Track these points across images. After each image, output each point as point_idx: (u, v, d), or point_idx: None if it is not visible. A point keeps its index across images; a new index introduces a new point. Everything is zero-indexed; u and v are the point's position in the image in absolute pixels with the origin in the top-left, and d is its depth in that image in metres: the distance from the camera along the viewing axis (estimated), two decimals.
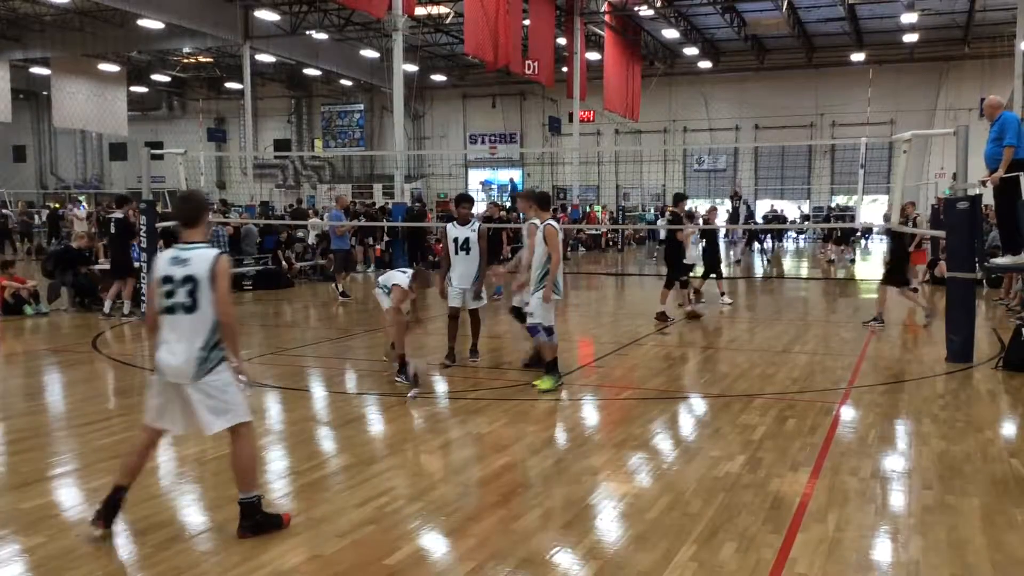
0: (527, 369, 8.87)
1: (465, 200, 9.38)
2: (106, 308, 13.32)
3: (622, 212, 38.78)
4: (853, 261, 26.04)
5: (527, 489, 5.38)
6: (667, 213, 14.46)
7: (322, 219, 19.34)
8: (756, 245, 27.83)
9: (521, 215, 14.64)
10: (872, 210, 35.01)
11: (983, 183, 9.63)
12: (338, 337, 11.89)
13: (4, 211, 30.21)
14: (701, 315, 13.13)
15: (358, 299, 15.92)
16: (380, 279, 8.94)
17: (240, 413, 4.51)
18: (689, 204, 15.26)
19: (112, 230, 13.54)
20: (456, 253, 9.10)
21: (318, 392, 8.40)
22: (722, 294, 14.74)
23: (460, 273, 9.12)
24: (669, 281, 13.10)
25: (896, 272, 12.14)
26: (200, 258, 4.47)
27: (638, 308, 14.84)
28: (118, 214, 13.75)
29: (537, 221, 8.14)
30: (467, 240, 9.08)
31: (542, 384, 7.96)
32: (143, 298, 13.06)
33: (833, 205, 38.34)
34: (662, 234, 21.59)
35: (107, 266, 14.19)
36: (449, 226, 9.36)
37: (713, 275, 14.45)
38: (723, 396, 7.98)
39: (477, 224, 9.34)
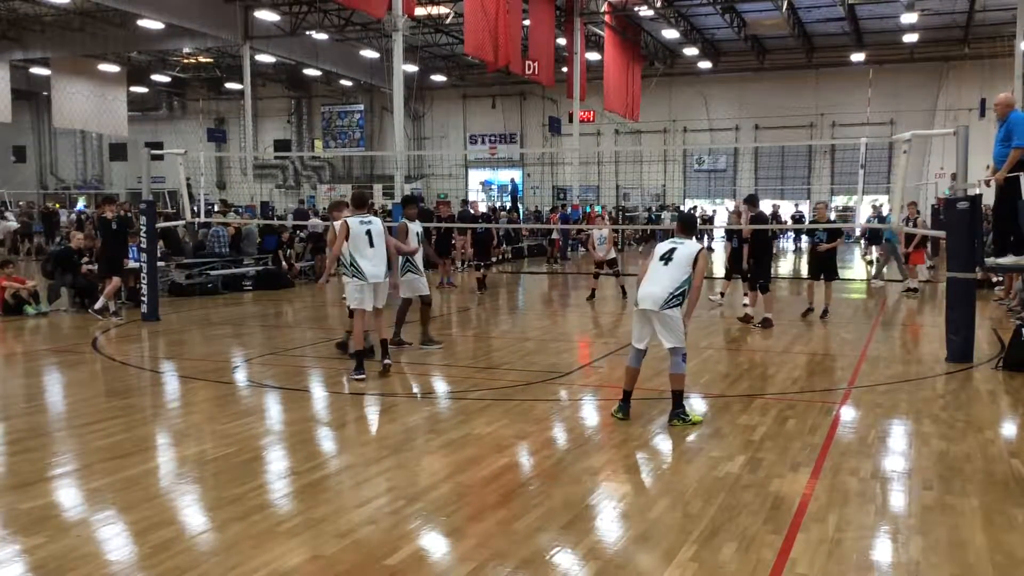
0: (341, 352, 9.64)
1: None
2: (111, 308, 13.34)
3: (622, 212, 38.73)
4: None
5: (527, 489, 5.38)
6: (743, 216, 13.74)
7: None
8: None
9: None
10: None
11: (987, 183, 9.60)
12: (338, 338, 11.88)
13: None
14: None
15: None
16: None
17: None
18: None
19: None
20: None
21: (318, 392, 8.40)
22: (721, 294, 14.75)
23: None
24: (761, 285, 12.54)
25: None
26: None
27: None
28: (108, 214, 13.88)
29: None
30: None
31: (694, 417, 6.96)
32: (143, 297, 13.08)
33: (835, 206, 38.26)
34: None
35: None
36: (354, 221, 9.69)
37: (736, 277, 14.40)
38: (723, 396, 7.99)
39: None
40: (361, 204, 9.39)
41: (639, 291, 6.87)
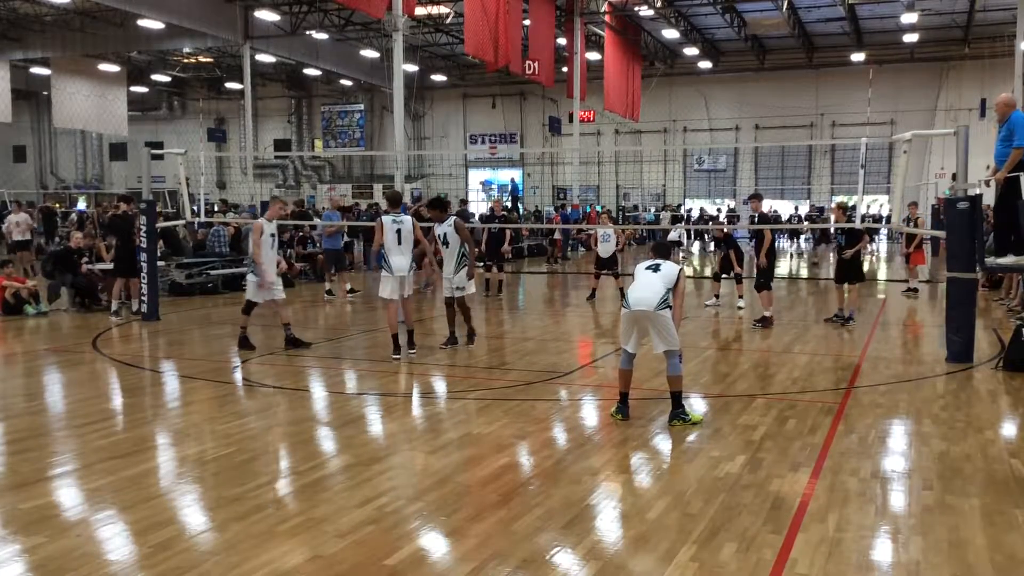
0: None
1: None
2: (113, 307, 13.35)
3: (622, 212, 38.75)
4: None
5: (527, 489, 5.38)
6: (750, 214, 13.62)
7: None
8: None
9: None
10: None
11: (987, 183, 9.60)
12: (337, 337, 11.89)
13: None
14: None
15: (359, 296, 15.93)
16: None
17: None
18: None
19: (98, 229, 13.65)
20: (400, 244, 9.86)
21: (318, 392, 8.40)
22: (716, 296, 14.74)
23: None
24: (761, 284, 12.50)
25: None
26: None
27: None
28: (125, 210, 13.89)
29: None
30: (398, 232, 9.76)
31: (694, 417, 6.94)
32: (143, 297, 13.08)
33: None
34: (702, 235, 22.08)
35: (109, 266, 14.22)
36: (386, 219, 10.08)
37: (726, 276, 14.41)
38: (723, 396, 7.99)
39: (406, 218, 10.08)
40: (395, 203, 10.22)
41: (629, 296, 6.91)
